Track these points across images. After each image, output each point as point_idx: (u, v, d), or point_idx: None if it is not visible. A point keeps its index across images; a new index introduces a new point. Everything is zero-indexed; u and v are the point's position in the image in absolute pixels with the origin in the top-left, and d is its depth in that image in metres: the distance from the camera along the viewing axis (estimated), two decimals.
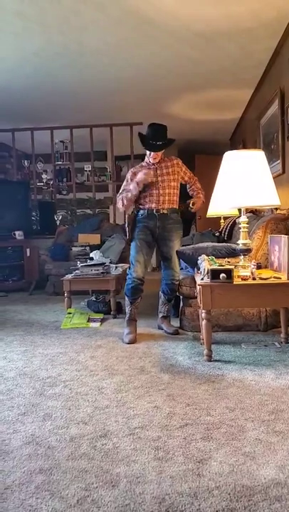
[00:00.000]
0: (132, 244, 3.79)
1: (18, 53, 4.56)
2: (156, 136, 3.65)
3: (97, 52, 4.62)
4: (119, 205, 3.82)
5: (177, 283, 3.85)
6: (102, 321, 4.37)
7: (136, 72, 5.24)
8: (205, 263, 3.15)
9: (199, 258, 3.47)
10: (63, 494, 1.57)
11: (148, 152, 3.72)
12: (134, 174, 3.76)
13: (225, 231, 4.93)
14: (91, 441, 1.96)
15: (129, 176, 3.81)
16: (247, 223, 3.17)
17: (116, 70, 5.15)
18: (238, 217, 4.31)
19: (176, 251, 3.78)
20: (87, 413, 2.25)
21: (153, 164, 3.74)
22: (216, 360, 3.01)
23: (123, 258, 5.51)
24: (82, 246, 6.33)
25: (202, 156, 9.32)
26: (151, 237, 3.77)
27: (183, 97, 6.29)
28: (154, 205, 3.70)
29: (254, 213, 4.97)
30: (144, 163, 3.82)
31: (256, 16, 3.90)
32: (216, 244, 3.99)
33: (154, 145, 3.65)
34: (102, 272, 4.60)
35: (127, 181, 3.79)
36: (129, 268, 3.78)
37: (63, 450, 1.88)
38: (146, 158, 3.80)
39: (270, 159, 4.61)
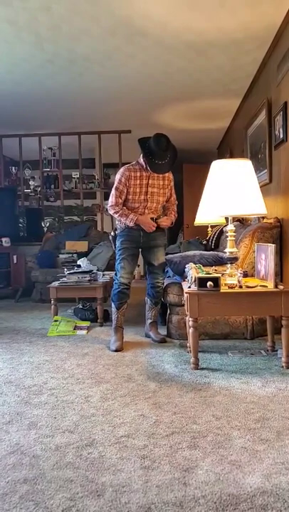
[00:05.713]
0: (117, 251, 3.79)
1: (8, 59, 4.55)
2: (162, 155, 3.48)
3: (88, 60, 4.62)
4: (114, 214, 3.71)
5: (161, 285, 3.86)
6: (89, 328, 4.34)
7: (126, 81, 5.26)
8: (192, 271, 3.16)
9: (186, 266, 3.48)
10: (48, 504, 1.55)
11: (145, 157, 3.54)
12: (128, 178, 3.61)
13: (212, 239, 4.96)
14: (77, 450, 1.94)
15: (123, 178, 3.62)
16: (234, 232, 3.19)
17: (106, 78, 5.16)
18: (225, 225, 4.34)
19: (165, 259, 3.82)
20: (73, 421, 2.23)
21: (147, 170, 3.62)
22: (202, 368, 3.01)
23: (110, 266, 5.49)
24: (69, 253, 6.30)
25: (190, 165, 9.39)
26: (135, 245, 3.77)
27: (172, 106, 6.33)
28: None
29: (241, 222, 5.01)
30: (138, 166, 3.66)
31: (246, 28, 3.95)
32: (204, 252, 4.01)
33: (160, 166, 3.51)
34: (89, 280, 4.58)
35: (120, 182, 3.63)
36: (115, 274, 3.78)
37: (48, 459, 1.86)
38: (140, 159, 3.65)
39: (257, 168, 4.65)
